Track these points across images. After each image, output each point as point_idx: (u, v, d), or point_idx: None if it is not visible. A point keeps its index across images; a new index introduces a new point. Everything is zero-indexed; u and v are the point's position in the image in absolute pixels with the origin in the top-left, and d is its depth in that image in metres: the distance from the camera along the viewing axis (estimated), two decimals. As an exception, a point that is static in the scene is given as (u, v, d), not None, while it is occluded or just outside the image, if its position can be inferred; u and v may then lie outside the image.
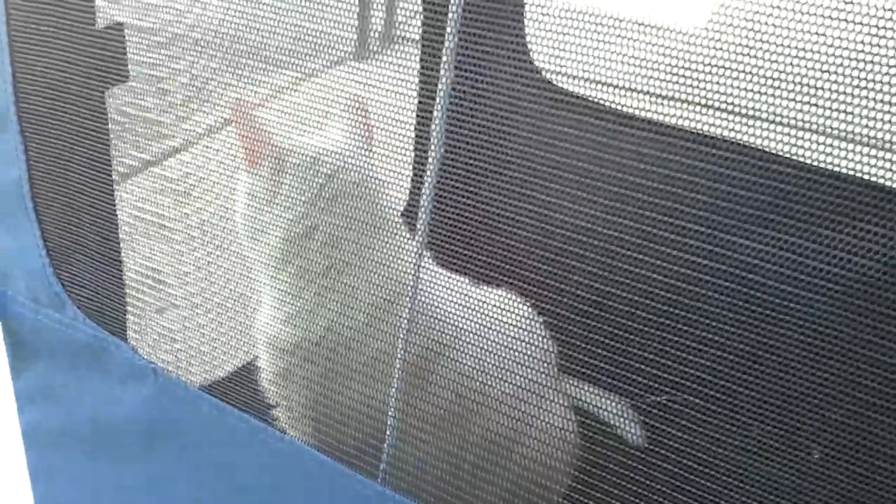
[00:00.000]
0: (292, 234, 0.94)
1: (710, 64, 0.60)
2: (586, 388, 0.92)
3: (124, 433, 0.99)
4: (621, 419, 0.91)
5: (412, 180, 0.83)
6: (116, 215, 0.96)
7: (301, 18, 0.72)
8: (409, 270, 0.78)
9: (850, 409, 0.68)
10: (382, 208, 0.95)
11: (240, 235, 0.97)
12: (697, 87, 0.62)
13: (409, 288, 0.77)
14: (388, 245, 0.90)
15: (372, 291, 0.90)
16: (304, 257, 0.94)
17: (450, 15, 0.65)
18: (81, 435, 1.04)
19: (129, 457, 1.01)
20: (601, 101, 0.72)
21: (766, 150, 0.65)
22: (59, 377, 1.02)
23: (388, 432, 0.83)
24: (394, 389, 0.82)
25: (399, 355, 0.80)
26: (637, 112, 0.67)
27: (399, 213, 0.95)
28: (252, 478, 0.91)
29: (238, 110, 0.89)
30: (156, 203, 0.95)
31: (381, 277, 0.89)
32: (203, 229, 0.96)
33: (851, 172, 0.62)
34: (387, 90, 0.71)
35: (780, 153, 0.64)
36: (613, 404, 0.89)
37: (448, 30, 0.65)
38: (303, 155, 0.93)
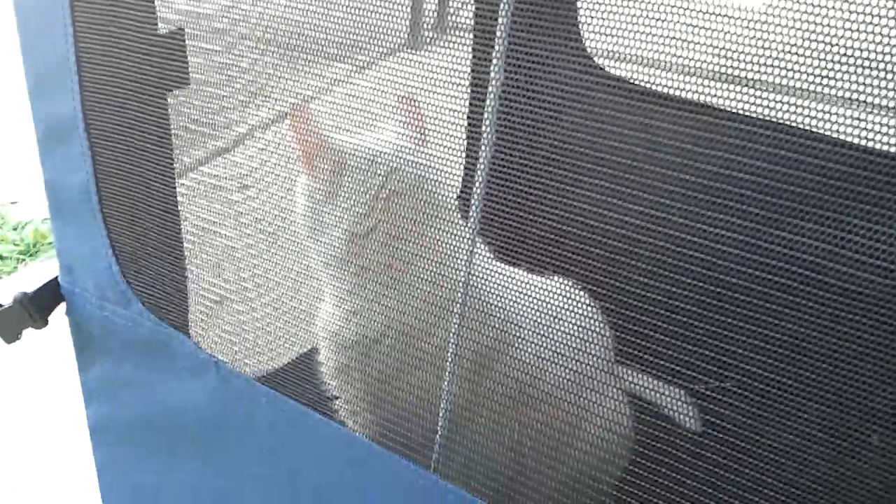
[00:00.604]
0: (354, 233, 0.95)
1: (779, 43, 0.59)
2: (641, 375, 0.91)
3: (187, 425, 1.01)
4: (676, 404, 0.90)
5: (465, 170, 0.83)
6: (179, 215, 0.99)
7: (354, 10, 0.73)
8: (465, 262, 0.78)
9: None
10: (441, 204, 0.95)
11: (300, 235, 0.99)
12: (765, 69, 0.60)
13: (464, 278, 0.78)
14: (447, 240, 0.90)
15: (433, 286, 0.90)
16: (366, 256, 0.95)
17: (502, 3, 0.65)
18: (146, 427, 1.07)
19: (192, 448, 1.04)
20: (656, 88, 0.71)
21: (835, 136, 0.62)
22: (125, 372, 1.05)
23: (440, 423, 0.83)
24: (445, 382, 0.82)
25: (451, 346, 0.81)
26: (694, 96, 0.65)
27: (455, 206, 0.95)
28: (310, 467, 0.92)
29: (294, 117, 0.91)
30: (218, 200, 0.97)
31: (441, 272, 0.89)
32: (261, 226, 0.98)
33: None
34: (440, 79, 0.71)
35: (853, 139, 0.61)
36: (669, 390, 0.88)
37: (500, 17, 0.65)
38: (360, 157, 0.95)
